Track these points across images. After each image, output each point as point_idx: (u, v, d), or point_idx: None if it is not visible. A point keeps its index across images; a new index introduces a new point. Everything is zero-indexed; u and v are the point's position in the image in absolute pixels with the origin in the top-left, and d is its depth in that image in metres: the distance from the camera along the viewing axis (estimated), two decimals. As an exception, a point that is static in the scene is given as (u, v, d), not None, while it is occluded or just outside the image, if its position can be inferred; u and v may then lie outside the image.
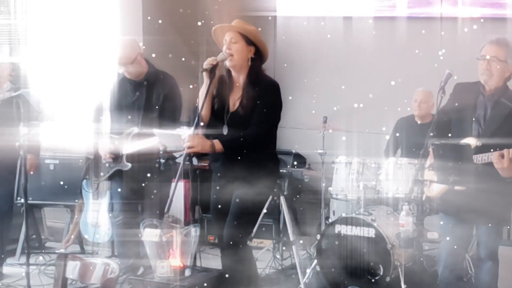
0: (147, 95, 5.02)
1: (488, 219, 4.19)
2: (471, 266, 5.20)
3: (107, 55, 5.40)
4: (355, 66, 6.79)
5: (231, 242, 4.46)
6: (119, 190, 5.15)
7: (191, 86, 5.56)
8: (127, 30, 6.18)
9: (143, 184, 5.13)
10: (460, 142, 4.19)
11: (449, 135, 4.16)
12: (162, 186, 5.10)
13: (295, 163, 6.86)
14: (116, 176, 5.12)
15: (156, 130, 4.68)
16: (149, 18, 6.53)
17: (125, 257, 5.11)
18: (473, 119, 4.17)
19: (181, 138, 4.38)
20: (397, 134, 6.09)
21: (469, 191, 4.11)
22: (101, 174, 5.12)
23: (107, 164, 5.07)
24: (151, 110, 5.00)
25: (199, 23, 6.06)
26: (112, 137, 5.07)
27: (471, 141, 4.14)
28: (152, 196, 5.11)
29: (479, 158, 4.07)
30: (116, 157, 5.03)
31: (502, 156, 3.91)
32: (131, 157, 4.99)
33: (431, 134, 4.09)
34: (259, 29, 4.53)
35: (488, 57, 4.11)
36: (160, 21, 6.50)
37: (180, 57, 6.40)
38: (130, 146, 4.96)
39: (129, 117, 5.04)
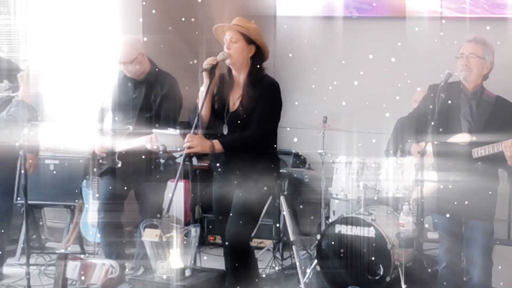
0: (146, 94, 5.03)
1: (474, 215, 4.33)
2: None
3: (108, 54, 5.40)
4: (355, 66, 6.78)
5: (233, 242, 4.46)
6: (106, 188, 5.14)
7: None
8: (127, 29, 6.18)
9: (132, 184, 5.14)
10: (455, 138, 4.33)
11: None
12: (157, 186, 5.11)
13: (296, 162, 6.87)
14: (108, 174, 5.11)
15: (155, 130, 4.68)
16: (141, 20, 6.54)
17: (110, 257, 5.06)
18: (460, 117, 4.35)
19: (181, 139, 4.38)
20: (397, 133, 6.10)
21: (456, 188, 4.24)
22: (94, 170, 5.12)
23: (100, 161, 5.07)
24: (148, 110, 5.00)
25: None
26: (107, 134, 5.08)
27: (466, 137, 4.30)
28: (143, 197, 5.12)
29: (481, 151, 4.24)
30: (109, 155, 5.03)
31: None
32: (123, 156, 4.99)
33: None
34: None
35: (466, 54, 4.32)
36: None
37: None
38: (123, 144, 4.96)
39: (126, 115, 5.04)
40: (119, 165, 4.99)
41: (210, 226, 6.47)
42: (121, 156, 4.99)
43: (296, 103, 6.64)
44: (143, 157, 4.88)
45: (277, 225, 6.17)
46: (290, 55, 7.10)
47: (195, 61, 5.67)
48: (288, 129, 6.50)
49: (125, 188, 5.16)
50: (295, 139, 6.53)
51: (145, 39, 6.06)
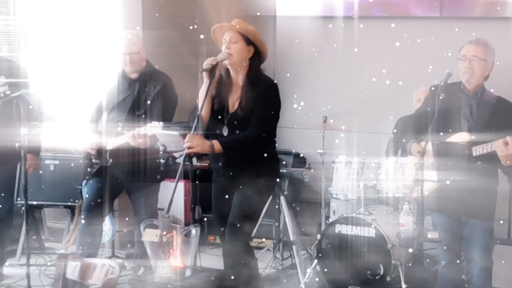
0: (138, 92, 5.04)
1: (474, 214, 4.33)
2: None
3: (108, 53, 5.40)
4: (355, 65, 6.78)
5: (233, 242, 4.46)
6: (96, 188, 5.14)
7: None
8: (126, 26, 6.18)
9: (125, 184, 5.15)
10: (455, 137, 4.33)
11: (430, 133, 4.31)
12: (150, 186, 5.11)
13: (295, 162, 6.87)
14: (100, 173, 5.11)
15: (156, 130, 4.68)
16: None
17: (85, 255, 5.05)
18: (460, 116, 4.34)
19: (181, 139, 4.39)
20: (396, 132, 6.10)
21: (455, 187, 4.23)
22: (88, 170, 5.12)
23: (93, 160, 5.08)
24: (139, 108, 5.01)
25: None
26: (99, 134, 5.09)
27: (465, 136, 4.30)
28: (136, 197, 5.13)
29: (479, 149, 4.22)
30: (100, 154, 5.03)
31: (506, 143, 4.08)
32: (114, 154, 4.99)
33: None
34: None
35: (469, 56, 4.29)
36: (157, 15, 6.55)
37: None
38: (112, 142, 4.97)
39: (118, 114, 5.05)
40: (110, 162, 5.00)
41: (210, 226, 6.46)
42: (112, 154, 5.00)
43: (295, 103, 6.64)
44: (135, 155, 4.89)
45: (277, 225, 6.17)
46: (290, 55, 7.11)
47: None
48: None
49: (117, 188, 5.17)
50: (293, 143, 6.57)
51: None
